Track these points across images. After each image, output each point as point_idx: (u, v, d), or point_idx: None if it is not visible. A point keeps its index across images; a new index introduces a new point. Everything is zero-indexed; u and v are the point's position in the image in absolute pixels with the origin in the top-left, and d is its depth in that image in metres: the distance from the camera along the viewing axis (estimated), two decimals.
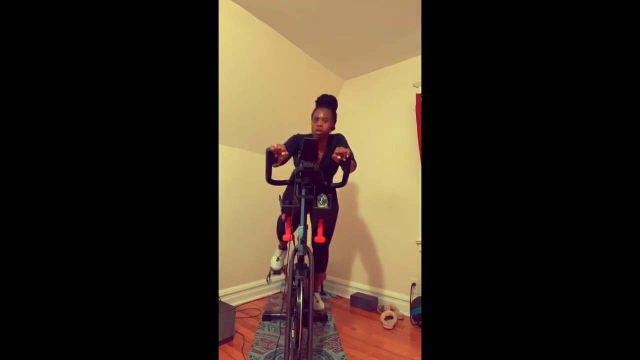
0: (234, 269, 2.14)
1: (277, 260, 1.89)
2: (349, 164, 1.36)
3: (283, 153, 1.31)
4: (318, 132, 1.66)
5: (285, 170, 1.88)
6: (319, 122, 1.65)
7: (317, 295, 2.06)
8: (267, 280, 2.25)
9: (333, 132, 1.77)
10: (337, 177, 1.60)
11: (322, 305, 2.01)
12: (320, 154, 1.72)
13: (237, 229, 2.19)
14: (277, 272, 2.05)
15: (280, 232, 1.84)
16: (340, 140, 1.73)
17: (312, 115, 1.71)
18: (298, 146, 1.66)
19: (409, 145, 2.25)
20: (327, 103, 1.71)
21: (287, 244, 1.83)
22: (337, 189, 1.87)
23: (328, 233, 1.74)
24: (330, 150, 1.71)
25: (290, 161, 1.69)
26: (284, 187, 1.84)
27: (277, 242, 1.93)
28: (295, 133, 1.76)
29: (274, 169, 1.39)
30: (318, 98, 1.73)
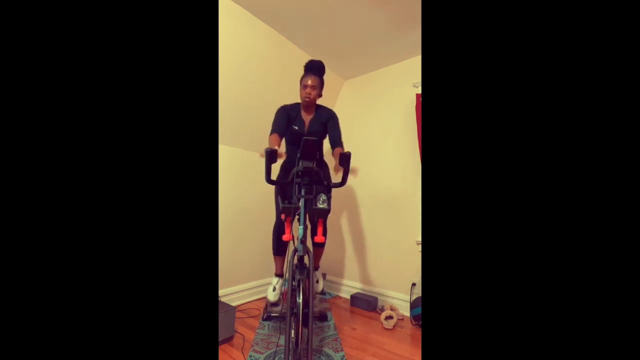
0: (234, 269, 2.14)
1: (273, 291, 1.76)
2: (348, 164, 1.36)
3: (280, 159, 1.34)
4: (307, 100, 1.69)
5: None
6: (308, 90, 1.67)
7: (318, 273, 1.91)
8: (262, 318, 1.87)
9: (322, 104, 1.80)
10: (336, 177, 1.60)
11: (321, 286, 1.89)
12: (308, 118, 1.77)
13: (237, 228, 2.19)
14: (274, 304, 1.84)
15: (278, 240, 1.73)
16: (332, 119, 1.75)
17: (301, 81, 1.71)
18: (289, 120, 1.72)
19: (409, 145, 2.25)
20: (316, 70, 1.71)
21: (287, 244, 1.82)
22: (337, 189, 1.85)
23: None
24: (317, 116, 1.77)
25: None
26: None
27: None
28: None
29: (272, 165, 1.39)
30: (306, 64, 1.73)
